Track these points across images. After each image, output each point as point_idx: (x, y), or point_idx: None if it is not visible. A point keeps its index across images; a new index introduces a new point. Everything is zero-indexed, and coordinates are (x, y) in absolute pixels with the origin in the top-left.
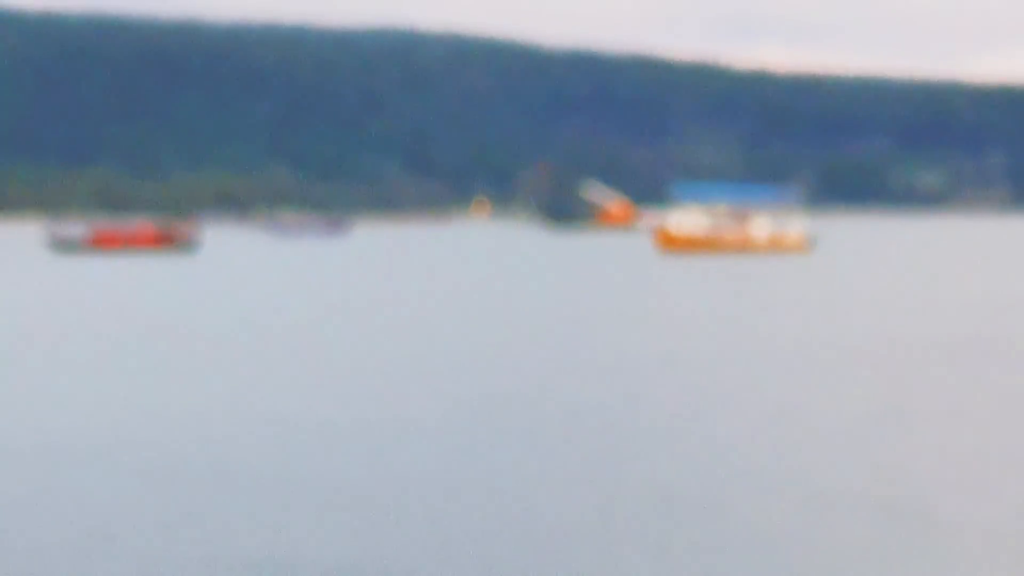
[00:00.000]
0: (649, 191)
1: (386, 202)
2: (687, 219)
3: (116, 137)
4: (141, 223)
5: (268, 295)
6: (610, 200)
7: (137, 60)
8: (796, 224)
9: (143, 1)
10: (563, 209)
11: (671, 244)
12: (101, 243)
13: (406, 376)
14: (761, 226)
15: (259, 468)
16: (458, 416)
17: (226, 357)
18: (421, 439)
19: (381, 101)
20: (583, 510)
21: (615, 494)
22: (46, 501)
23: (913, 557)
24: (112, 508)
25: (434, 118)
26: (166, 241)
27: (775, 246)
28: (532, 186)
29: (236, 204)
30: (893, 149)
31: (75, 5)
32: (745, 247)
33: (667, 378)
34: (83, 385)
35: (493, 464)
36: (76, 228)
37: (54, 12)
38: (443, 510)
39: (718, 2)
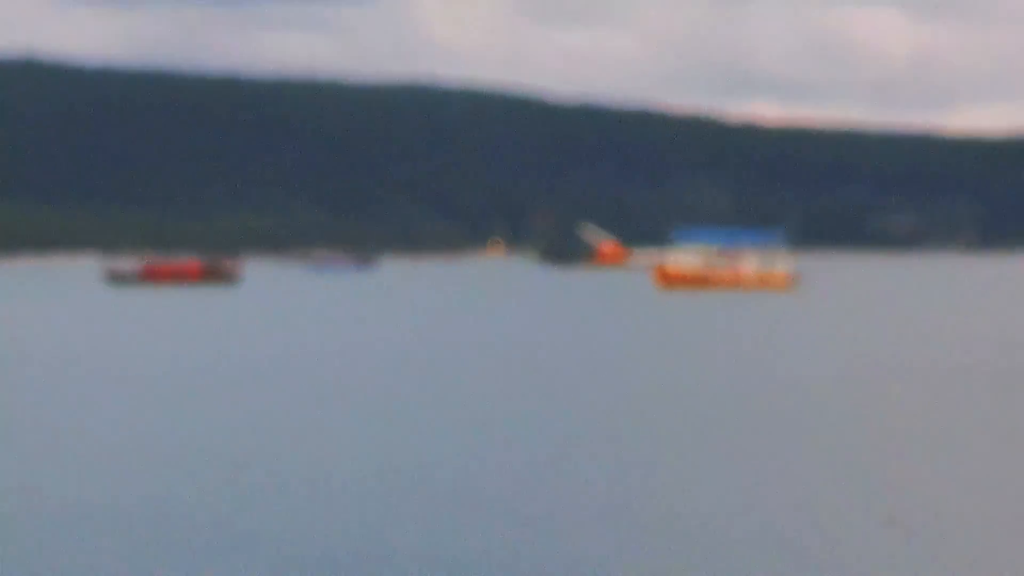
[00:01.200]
0: (649, 233)
1: (410, 241)
2: (683, 258)
3: (166, 181)
4: (188, 259)
5: (305, 325)
6: (604, 241)
7: (186, 111)
8: (782, 263)
9: (192, 57)
10: (563, 249)
11: (668, 281)
12: (152, 277)
13: (428, 405)
14: (750, 265)
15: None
16: (471, 452)
17: (260, 387)
18: (440, 465)
19: (406, 149)
20: (600, 546)
21: (633, 527)
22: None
23: None
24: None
25: (453, 165)
26: (211, 275)
27: (763, 283)
28: (536, 228)
29: (274, 242)
30: (871, 196)
31: (131, 61)
32: (736, 284)
33: (681, 406)
34: (128, 409)
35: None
36: (129, 263)
37: (112, 67)
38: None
39: (714, 61)
